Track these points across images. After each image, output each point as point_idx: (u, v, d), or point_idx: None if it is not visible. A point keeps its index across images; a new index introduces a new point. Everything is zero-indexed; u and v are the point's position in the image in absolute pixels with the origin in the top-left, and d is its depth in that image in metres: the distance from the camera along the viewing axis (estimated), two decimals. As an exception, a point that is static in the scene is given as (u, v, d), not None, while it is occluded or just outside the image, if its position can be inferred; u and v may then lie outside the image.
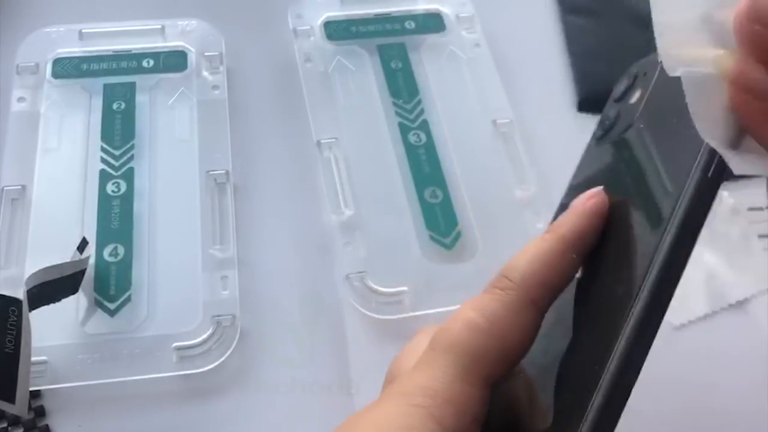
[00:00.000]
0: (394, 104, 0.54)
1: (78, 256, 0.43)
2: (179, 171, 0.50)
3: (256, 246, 0.49)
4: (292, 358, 0.45)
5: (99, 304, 0.45)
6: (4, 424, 0.42)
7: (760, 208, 0.52)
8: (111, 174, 0.50)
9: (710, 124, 0.25)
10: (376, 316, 0.46)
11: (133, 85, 0.54)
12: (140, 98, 0.53)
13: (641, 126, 0.31)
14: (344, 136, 0.52)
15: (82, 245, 0.43)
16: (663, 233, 0.26)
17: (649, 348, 0.26)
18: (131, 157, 0.50)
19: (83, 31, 0.56)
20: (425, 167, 0.52)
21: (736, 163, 0.25)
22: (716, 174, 0.26)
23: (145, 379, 0.43)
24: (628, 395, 0.26)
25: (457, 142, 0.53)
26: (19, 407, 0.38)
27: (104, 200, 0.48)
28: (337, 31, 0.58)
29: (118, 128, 0.52)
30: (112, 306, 0.45)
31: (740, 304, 0.48)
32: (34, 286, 0.40)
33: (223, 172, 0.50)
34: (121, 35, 0.56)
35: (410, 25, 0.59)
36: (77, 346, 0.43)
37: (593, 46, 0.60)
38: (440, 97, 0.55)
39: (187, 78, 0.55)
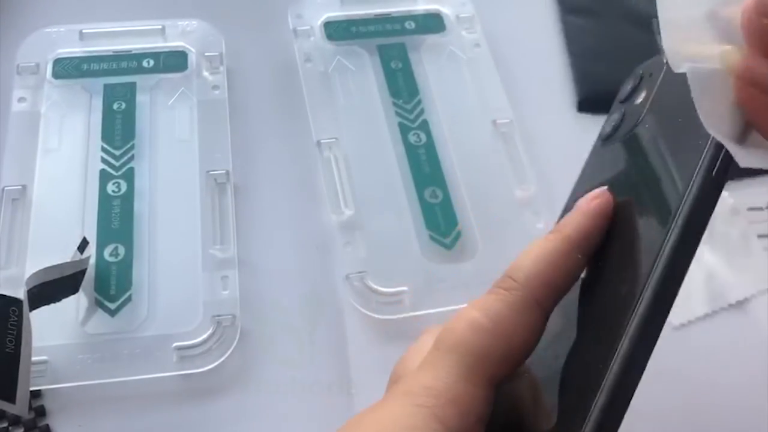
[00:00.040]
0: (394, 104, 0.54)
1: (78, 256, 0.43)
2: (179, 171, 0.50)
3: (256, 246, 0.49)
4: (292, 358, 0.45)
5: (99, 304, 0.45)
6: (5, 424, 0.42)
7: (760, 208, 0.52)
8: (111, 174, 0.50)
9: (716, 119, 0.25)
10: (376, 316, 0.46)
11: (133, 85, 0.54)
12: (140, 98, 0.53)
13: (647, 126, 0.31)
14: (344, 136, 0.52)
15: (83, 245, 0.43)
16: (667, 233, 0.26)
17: (653, 348, 0.26)
18: (131, 157, 0.50)
19: (84, 31, 0.56)
20: (425, 167, 0.52)
21: (742, 156, 0.25)
22: (720, 174, 0.26)
23: (146, 379, 0.43)
24: (632, 395, 0.26)
25: (457, 142, 0.53)
26: (19, 407, 0.38)
27: (105, 200, 0.48)
28: (337, 31, 0.58)
29: (119, 128, 0.52)
30: (112, 306, 0.45)
31: (740, 304, 0.48)
32: (35, 286, 0.40)
33: (224, 172, 0.50)
34: (122, 35, 0.56)
35: (410, 25, 0.59)
36: (77, 346, 0.43)
37: (593, 46, 0.60)
38: (440, 97, 0.55)
39: (188, 78, 0.55)
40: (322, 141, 0.52)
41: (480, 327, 0.28)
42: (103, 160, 0.50)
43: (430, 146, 0.53)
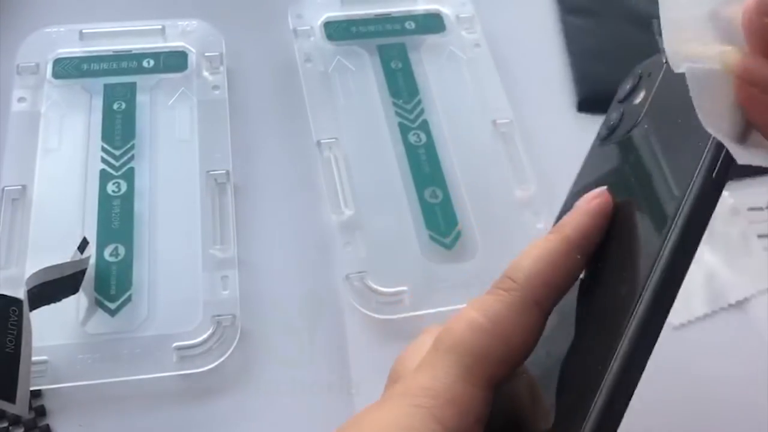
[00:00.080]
0: (394, 104, 0.54)
1: (78, 256, 0.43)
2: (179, 171, 0.50)
3: (256, 246, 0.49)
4: (292, 358, 0.45)
5: (99, 304, 0.45)
6: (5, 424, 0.42)
7: (760, 208, 0.52)
8: (111, 174, 0.50)
9: (716, 119, 0.25)
10: (376, 315, 0.46)
11: (133, 85, 0.54)
12: (141, 98, 0.53)
13: (645, 127, 0.31)
14: (344, 136, 0.52)
15: (83, 245, 0.43)
16: (667, 233, 0.26)
17: (652, 349, 0.26)
18: (131, 157, 0.50)
19: (84, 31, 0.56)
20: (425, 167, 0.52)
21: (742, 155, 0.25)
22: (720, 175, 0.26)
23: (146, 379, 0.43)
24: (631, 396, 0.26)
25: (457, 142, 0.53)
26: (19, 407, 0.38)
27: (105, 200, 0.48)
28: (337, 31, 0.58)
29: (119, 128, 0.52)
30: (112, 306, 0.45)
31: (740, 304, 0.48)
32: (35, 286, 0.40)
33: (224, 172, 0.50)
34: (122, 35, 0.56)
35: (410, 25, 0.59)
36: (78, 346, 0.43)
37: (593, 46, 0.60)
38: (440, 97, 0.55)
39: (188, 78, 0.55)
40: (322, 141, 0.52)
41: (479, 327, 0.28)
42: (103, 160, 0.50)
43: (430, 146, 0.53)
